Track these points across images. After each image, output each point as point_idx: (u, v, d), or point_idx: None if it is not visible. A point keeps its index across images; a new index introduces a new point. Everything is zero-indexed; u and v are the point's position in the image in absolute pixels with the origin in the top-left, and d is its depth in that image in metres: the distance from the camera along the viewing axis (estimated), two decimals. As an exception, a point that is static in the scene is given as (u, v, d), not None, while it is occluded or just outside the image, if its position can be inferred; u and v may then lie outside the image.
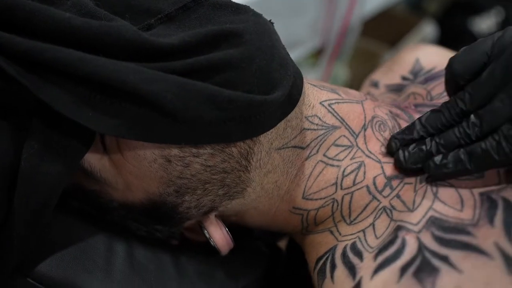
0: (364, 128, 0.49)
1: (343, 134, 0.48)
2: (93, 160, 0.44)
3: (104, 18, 0.40)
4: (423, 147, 0.45)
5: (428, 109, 0.48)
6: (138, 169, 0.43)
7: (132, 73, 0.37)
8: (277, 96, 0.42)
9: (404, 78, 0.62)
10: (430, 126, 0.45)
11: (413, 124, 0.46)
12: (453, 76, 0.45)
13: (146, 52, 0.39)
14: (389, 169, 0.47)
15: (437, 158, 0.43)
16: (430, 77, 0.58)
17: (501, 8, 1.91)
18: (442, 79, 0.54)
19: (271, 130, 0.45)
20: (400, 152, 0.46)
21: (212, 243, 0.49)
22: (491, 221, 0.40)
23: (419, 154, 0.45)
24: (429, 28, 1.81)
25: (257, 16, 0.45)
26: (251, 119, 0.41)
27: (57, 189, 0.40)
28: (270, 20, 0.47)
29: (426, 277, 0.38)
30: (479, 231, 0.40)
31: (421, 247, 0.40)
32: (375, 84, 0.65)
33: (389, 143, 0.47)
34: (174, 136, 0.40)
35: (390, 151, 0.48)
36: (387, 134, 0.49)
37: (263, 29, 0.44)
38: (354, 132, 0.49)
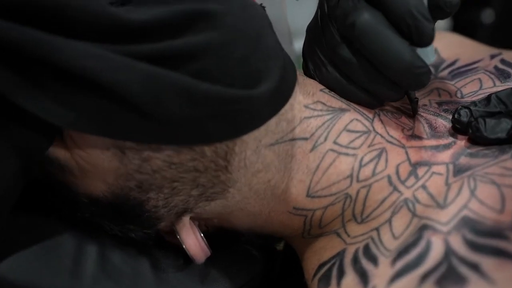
0: (377, 113, 0.45)
1: (354, 117, 0.44)
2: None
3: None
4: (507, 119, 0.42)
5: (457, 107, 0.44)
6: (90, 156, 0.39)
7: (93, 59, 0.33)
8: (263, 90, 0.38)
9: None
10: (510, 103, 0.43)
11: (487, 98, 0.44)
12: None
13: (112, 30, 0.35)
14: (415, 154, 0.44)
15: None
16: (457, 73, 0.53)
17: (516, 1, 1.86)
18: (473, 76, 0.50)
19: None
20: (481, 120, 0.42)
21: (184, 249, 0.44)
22: None
23: (506, 125, 0.41)
24: (441, 20, 1.76)
25: (248, 2, 0.41)
26: (233, 117, 0.38)
27: (16, 185, 0.37)
28: (261, 4, 0.43)
29: (451, 287, 0.34)
30: None
31: (448, 252, 0.36)
32: None
33: (458, 111, 0.44)
34: (141, 133, 0.36)
35: (456, 121, 0.44)
36: (404, 120, 0.46)
37: (250, 12, 0.40)
38: (368, 116, 0.44)
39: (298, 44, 0.58)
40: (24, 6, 0.33)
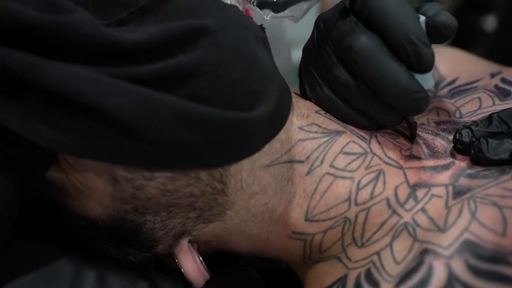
0: (374, 134, 0.44)
1: (351, 139, 0.43)
2: None
3: (66, 9, 0.34)
4: (510, 140, 0.41)
5: (455, 127, 0.44)
6: (85, 178, 0.39)
7: (87, 83, 0.33)
8: (261, 113, 0.38)
9: None
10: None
11: (489, 118, 0.43)
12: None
13: (105, 52, 0.34)
14: (413, 175, 0.43)
15: None
16: (457, 92, 0.52)
17: (516, 7, 1.85)
18: (472, 95, 0.50)
19: None
20: (483, 140, 0.42)
21: (183, 273, 0.44)
22: None
23: (508, 146, 0.41)
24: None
25: (245, 18, 0.41)
26: (230, 141, 0.37)
27: (12, 210, 0.36)
28: (261, 25, 0.43)
29: None
30: None
31: (451, 278, 0.36)
32: None
33: (459, 131, 0.43)
34: (136, 158, 0.36)
35: (458, 141, 0.43)
36: (402, 140, 0.45)
37: (247, 32, 0.39)
38: (364, 138, 0.44)
39: (297, 54, 0.57)
40: (15, 28, 0.32)
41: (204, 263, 0.44)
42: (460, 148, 0.43)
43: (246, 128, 0.38)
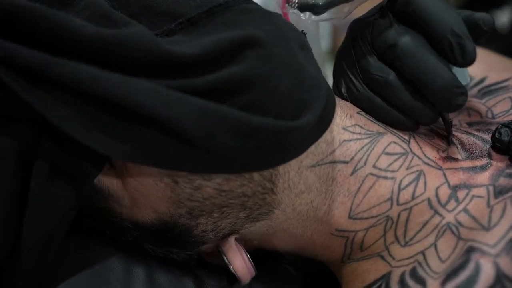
0: (412, 135, 0.45)
1: (392, 140, 0.44)
2: (101, 175, 0.40)
3: (120, 23, 0.36)
4: None
5: (488, 127, 0.45)
6: (144, 186, 0.40)
7: (148, 95, 0.34)
8: (309, 120, 0.38)
9: None
10: None
11: None
12: None
13: (163, 64, 0.35)
14: (452, 176, 0.43)
15: None
16: (487, 91, 0.53)
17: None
18: (504, 95, 0.50)
19: None
20: None
21: (232, 270, 0.45)
22: None
23: None
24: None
25: (289, 26, 0.41)
26: (280, 146, 0.38)
27: (69, 213, 0.38)
28: (302, 31, 0.43)
29: None
30: None
31: (500, 275, 0.36)
32: None
33: (498, 130, 0.43)
34: (193, 164, 0.36)
35: (497, 140, 0.43)
36: (437, 141, 0.46)
37: (293, 43, 0.40)
38: (404, 138, 0.45)
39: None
40: (76, 42, 0.33)
41: (251, 260, 0.45)
42: (499, 147, 0.44)
43: (295, 135, 0.38)
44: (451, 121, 0.47)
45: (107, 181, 0.40)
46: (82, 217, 0.45)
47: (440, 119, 0.46)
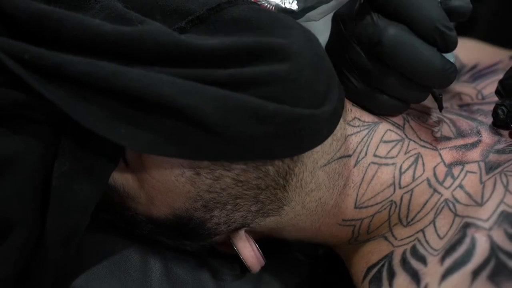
0: (406, 119, 0.47)
1: (387, 128, 0.46)
2: (116, 173, 0.42)
3: (135, 21, 0.37)
4: None
5: (479, 107, 0.46)
6: (163, 184, 0.41)
7: (168, 85, 0.35)
8: (325, 110, 0.40)
9: None
10: None
11: None
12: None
13: (183, 56, 0.36)
14: (448, 155, 0.45)
15: None
16: (478, 75, 0.55)
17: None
18: (493, 77, 0.52)
19: (317, 149, 0.42)
20: None
21: (242, 260, 0.46)
22: None
23: None
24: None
25: (301, 26, 0.42)
26: (296, 134, 0.39)
27: (89, 207, 0.39)
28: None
29: (504, 282, 0.36)
30: None
31: (494, 247, 0.38)
32: None
33: (495, 110, 0.45)
34: (213, 152, 0.37)
35: (496, 118, 0.45)
36: (430, 122, 0.48)
37: (309, 40, 0.41)
38: (398, 124, 0.46)
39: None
40: (100, 42, 0.35)
41: (260, 250, 0.46)
42: (498, 125, 0.46)
43: (312, 123, 0.39)
44: (441, 96, 0.48)
45: (122, 179, 0.42)
46: (99, 212, 0.46)
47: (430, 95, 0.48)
